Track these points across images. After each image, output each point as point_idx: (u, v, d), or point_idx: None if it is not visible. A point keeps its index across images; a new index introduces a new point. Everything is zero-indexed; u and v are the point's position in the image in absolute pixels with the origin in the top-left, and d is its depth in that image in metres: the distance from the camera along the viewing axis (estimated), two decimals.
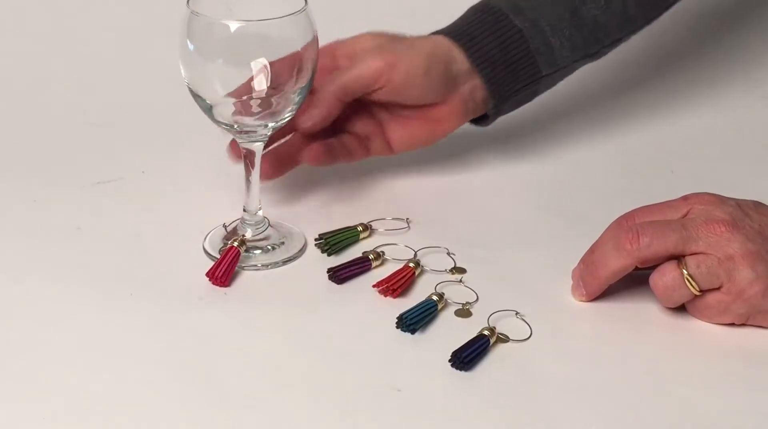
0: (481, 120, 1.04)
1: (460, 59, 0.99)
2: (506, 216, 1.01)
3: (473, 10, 1.03)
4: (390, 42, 0.99)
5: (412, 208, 1.01)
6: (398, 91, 0.97)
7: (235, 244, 0.91)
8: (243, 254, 0.92)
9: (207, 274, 0.90)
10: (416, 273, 0.91)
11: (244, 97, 0.87)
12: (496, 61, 1.00)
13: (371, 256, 0.92)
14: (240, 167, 0.93)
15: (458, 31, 1.01)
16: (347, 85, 0.96)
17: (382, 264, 0.93)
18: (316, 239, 0.95)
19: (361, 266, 0.92)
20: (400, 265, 0.92)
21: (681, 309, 0.87)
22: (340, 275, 0.91)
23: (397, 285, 0.89)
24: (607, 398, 0.79)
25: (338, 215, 0.99)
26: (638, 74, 1.25)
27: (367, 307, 0.88)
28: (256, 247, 0.93)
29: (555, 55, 1.02)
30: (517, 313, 0.87)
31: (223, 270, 0.89)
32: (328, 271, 0.91)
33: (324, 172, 1.02)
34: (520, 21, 1.00)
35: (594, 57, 1.05)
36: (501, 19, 1.00)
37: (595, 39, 1.03)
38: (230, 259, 0.90)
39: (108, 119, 1.15)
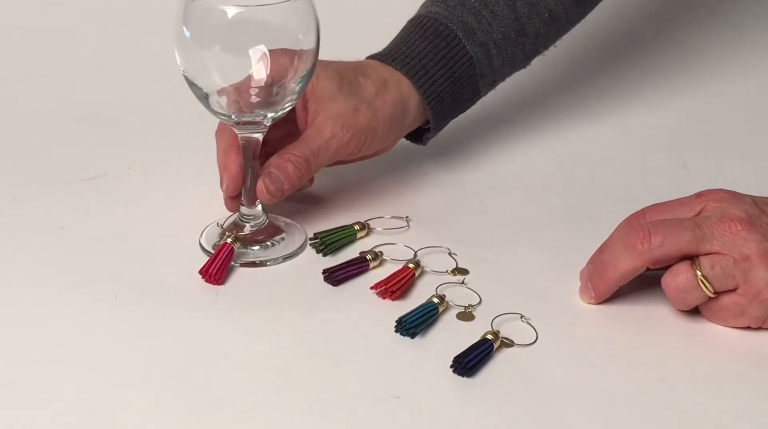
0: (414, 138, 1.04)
1: (414, 104, 0.99)
2: (510, 214, 1.00)
3: (426, 31, 1.00)
4: (349, 100, 0.95)
5: (412, 206, 1.00)
6: (354, 156, 0.98)
7: (229, 240, 0.91)
8: (241, 250, 0.91)
9: (200, 272, 0.89)
10: (416, 274, 0.90)
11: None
12: (445, 96, 1.00)
13: (369, 257, 0.92)
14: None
15: (414, 64, 0.98)
16: (312, 165, 0.94)
17: (380, 264, 0.92)
18: (311, 239, 0.95)
19: (358, 267, 0.91)
20: (400, 266, 0.91)
21: (694, 312, 0.87)
22: (336, 276, 0.90)
23: (396, 287, 0.88)
24: (617, 406, 0.78)
25: (334, 213, 0.98)
26: (649, 66, 1.25)
27: (365, 309, 0.87)
28: (255, 243, 0.92)
29: (495, 75, 1.03)
30: (522, 316, 0.86)
31: (216, 267, 0.89)
32: (323, 272, 0.90)
33: None
34: (471, 46, 1.00)
35: (526, 66, 1.06)
36: (454, 45, 1.00)
37: (535, 50, 1.05)
38: (224, 256, 0.90)
39: (92, 113, 1.15)
